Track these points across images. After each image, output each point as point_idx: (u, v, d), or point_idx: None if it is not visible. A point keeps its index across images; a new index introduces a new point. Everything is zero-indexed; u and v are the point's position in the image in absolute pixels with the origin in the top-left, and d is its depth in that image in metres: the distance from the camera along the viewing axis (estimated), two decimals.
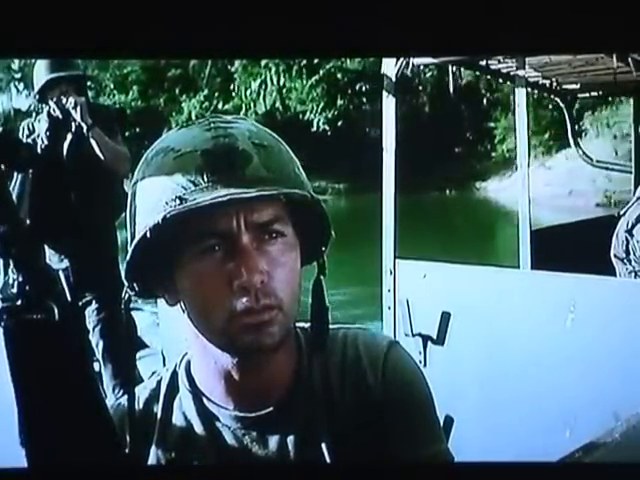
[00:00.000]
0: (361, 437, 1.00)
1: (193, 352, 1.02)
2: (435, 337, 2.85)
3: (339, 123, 24.29)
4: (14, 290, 0.79)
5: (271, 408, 1.00)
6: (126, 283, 0.98)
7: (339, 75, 24.51)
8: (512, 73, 3.75)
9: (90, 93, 3.68)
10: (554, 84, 4.19)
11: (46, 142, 3.55)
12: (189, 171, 0.91)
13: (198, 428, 1.01)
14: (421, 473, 0.95)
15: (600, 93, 4.52)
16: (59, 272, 3.43)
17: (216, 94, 25.99)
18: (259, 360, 0.97)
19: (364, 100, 24.17)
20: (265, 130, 0.99)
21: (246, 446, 1.00)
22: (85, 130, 3.50)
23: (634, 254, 2.96)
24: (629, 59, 3.06)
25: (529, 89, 3.98)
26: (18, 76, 27.21)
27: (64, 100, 3.53)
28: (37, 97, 3.71)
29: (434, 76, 22.83)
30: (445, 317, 2.82)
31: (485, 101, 24.07)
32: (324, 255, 1.02)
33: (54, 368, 0.80)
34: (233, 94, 25.83)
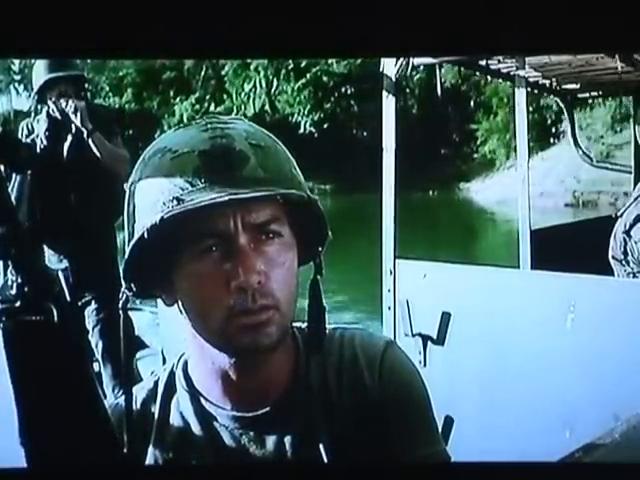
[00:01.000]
0: (358, 437, 1.00)
1: (191, 352, 1.03)
2: (435, 337, 2.85)
3: (325, 125, 24.62)
4: (13, 291, 0.79)
5: (268, 408, 1.00)
6: (124, 283, 0.98)
7: (325, 78, 25.14)
8: (512, 73, 3.75)
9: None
10: (554, 84, 4.18)
11: (45, 142, 3.55)
12: (186, 172, 0.91)
13: (195, 428, 1.01)
14: (420, 473, 0.95)
15: (600, 93, 4.52)
16: (58, 272, 3.44)
17: (207, 97, 26.53)
18: (256, 360, 0.97)
19: (351, 102, 24.93)
20: (262, 130, 0.99)
21: (243, 446, 1.00)
22: (85, 135, 3.51)
23: (632, 255, 2.96)
24: (631, 59, 3.06)
25: (529, 89, 3.97)
26: (18, 78, 27.24)
27: (64, 104, 3.52)
28: (36, 97, 3.71)
29: (421, 78, 23.11)
30: (445, 317, 2.82)
31: (471, 103, 24.52)
32: (321, 255, 1.02)
33: (53, 369, 0.80)
34: (225, 96, 26.38)
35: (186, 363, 1.04)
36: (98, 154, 3.47)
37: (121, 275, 0.97)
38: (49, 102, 3.60)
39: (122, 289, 0.98)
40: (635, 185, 3.84)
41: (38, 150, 3.55)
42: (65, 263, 3.60)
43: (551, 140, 22.14)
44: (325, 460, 0.99)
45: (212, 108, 25.80)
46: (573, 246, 3.55)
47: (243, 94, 26.11)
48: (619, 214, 3.09)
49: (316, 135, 24.41)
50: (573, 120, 4.71)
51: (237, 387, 0.99)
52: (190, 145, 0.93)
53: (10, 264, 0.79)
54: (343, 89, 25.04)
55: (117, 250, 3.67)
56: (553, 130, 21.98)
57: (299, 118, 24.90)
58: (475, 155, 24.50)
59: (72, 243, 3.60)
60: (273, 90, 25.75)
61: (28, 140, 3.59)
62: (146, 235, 0.90)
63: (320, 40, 0.82)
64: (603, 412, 2.23)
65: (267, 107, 25.57)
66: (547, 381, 2.56)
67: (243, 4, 0.81)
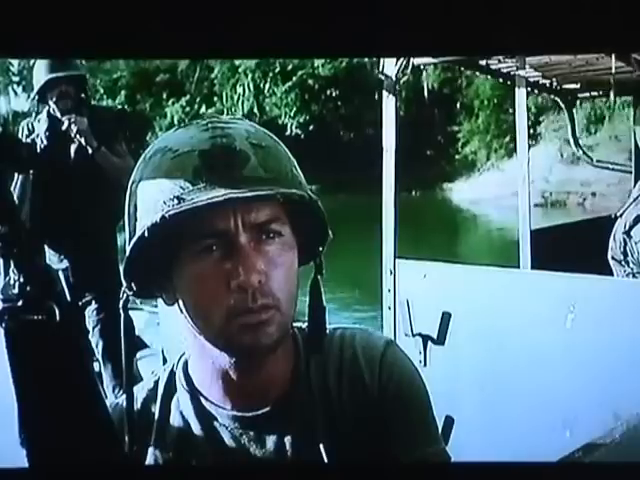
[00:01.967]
0: (358, 437, 1.00)
1: (191, 352, 1.03)
2: (435, 337, 2.85)
3: (311, 127, 25.07)
4: (15, 291, 0.79)
5: (268, 408, 1.00)
6: (124, 283, 0.98)
7: (310, 81, 25.74)
8: (512, 73, 3.75)
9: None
10: (554, 84, 4.18)
11: (45, 142, 3.56)
12: (187, 171, 0.91)
13: (196, 428, 1.01)
14: (419, 473, 0.95)
15: (600, 93, 4.52)
16: (59, 272, 3.44)
17: (198, 99, 26.96)
18: (257, 360, 0.97)
19: (337, 104, 25.42)
20: (263, 130, 0.99)
21: (243, 446, 1.00)
22: (90, 152, 3.51)
23: (632, 256, 2.95)
24: (631, 59, 3.06)
25: (529, 89, 3.97)
26: (17, 79, 27.26)
27: (67, 122, 3.52)
28: (37, 97, 3.71)
29: (408, 81, 23.34)
30: (445, 317, 2.82)
31: (455, 105, 24.93)
32: (321, 255, 1.02)
33: (55, 368, 0.80)
34: (215, 99, 26.86)
35: (186, 363, 1.04)
36: (103, 167, 3.49)
37: (121, 274, 0.97)
38: (50, 102, 3.61)
39: (122, 288, 0.98)
40: (635, 185, 3.84)
41: (38, 150, 3.55)
42: (66, 263, 3.61)
43: (529, 142, 22.22)
44: (325, 460, 0.99)
45: (203, 110, 26.25)
46: (573, 246, 3.55)
47: (232, 97, 26.69)
48: (619, 214, 3.08)
49: (302, 136, 24.77)
50: (573, 120, 4.70)
51: (237, 387, 0.99)
52: (191, 144, 0.93)
53: (12, 263, 0.79)
54: (328, 92, 25.59)
55: (117, 250, 3.68)
56: (531, 132, 22.32)
57: (286, 120, 25.38)
58: (457, 156, 24.94)
59: (73, 243, 3.60)
60: (261, 93, 26.41)
61: (28, 140, 3.60)
62: (146, 234, 0.90)
63: (320, 40, 0.82)
64: (603, 412, 2.23)
65: (255, 109, 26.17)
66: (547, 381, 2.56)
67: (244, 4, 0.81)
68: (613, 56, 3.00)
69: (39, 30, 0.80)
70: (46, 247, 3.58)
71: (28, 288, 0.79)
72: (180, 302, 0.96)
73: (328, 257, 1.03)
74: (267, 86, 26.18)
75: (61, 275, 3.49)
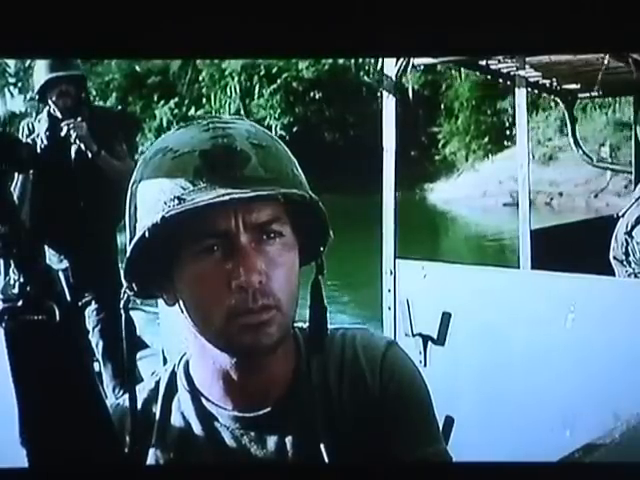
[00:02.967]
0: (359, 437, 1.00)
1: (192, 352, 1.03)
2: (435, 337, 2.85)
3: (295, 128, 25.53)
4: (15, 291, 0.79)
5: (269, 408, 1.00)
6: (125, 283, 0.98)
7: (294, 84, 26.54)
8: (512, 73, 3.75)
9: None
10: (554, 84, 4.18)
11: (46, 142, 3.56)
12: (187, 171, 0.91)
13: (197, 428, 1.01)
14: (420, 473, 0.95)
15: (600, 93, 4.52)
16: (59, 272, 3.44)
17: (186, 101, 27.63)
18: (257, 360, 0.97)
19: (321, 106, 26.13)
20: (263, 130, 0.99)
21: (244, 446, 1.00)
22: (90, 156, 3.51)
23: (634, 256, 2.95)
24: (629, 59, 3.06)
25: (529, 89, 3.97)
26: (13, 81, 27.28)
27: (66, 127, 3.52)
28: (37, 97, 3.71)
29: (395, 82, 24.25)
30: (445, 317, 2.82)
31: (437, 106, 25.62)
32: (322, 255, 1.02)
33: (55, 368, 0.80)
34: (203, 100, 27.53)
35: (187, 363, 1.04)
36: (104, 170, 3.49)
37: (122, 275, 0.97)
38: (49, 102, 3.60)
39: (123, 289, 0.98)
40: (636, 185, 3.84)
41: (38, 150, 3.55)
42: (66, 263, 3.61)
43: (506, 143, 23.20)
44: (326, 460, 0.99)
45: (192, 112, 26.97)
46: (573, 246, 3.55)
47: (220, 99, 27.38)
48: (620, 214, 3.07)
49: (287, 138, 25.31)
50: (573, 120, 4.70)
51: (238, 387, 0.99)
52: (191, 145, 0.93)
53: (12, 263, 0.79)
54: (312, 94, 26.26)
55: (118, 250, 3.68)
56: (508, 133, 22.92)
57: (271, 121, 25.91)
58: (437, 157, 25.56)
59: (73, 243, 3.60)
60: (247, 95, 27.17)
61: (29, 140, 3.59)
62: (147, 234, 0.90)
63: (321, 40, 0.82)
64: (603, 412, 2.23)
65: (242, 111, 26.83)
66: (547, 381, 2.56)
67: (244, 4, 0.81)
68: (607, 56, 3.00)
69: (39, 30, 0.80)
70: (46, 247, 3.58)
71: (28, 288, 0.79)
72: (181, 302, 0.96)
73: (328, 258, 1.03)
74: (252, 88, 26.97)
75: (61, 275, 3.49)
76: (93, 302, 3.64)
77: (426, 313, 2.89)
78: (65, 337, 0.81)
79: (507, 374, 2.67)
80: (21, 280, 0.79)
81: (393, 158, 3.09)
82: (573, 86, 4.23)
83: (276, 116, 25.73)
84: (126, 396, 1.01)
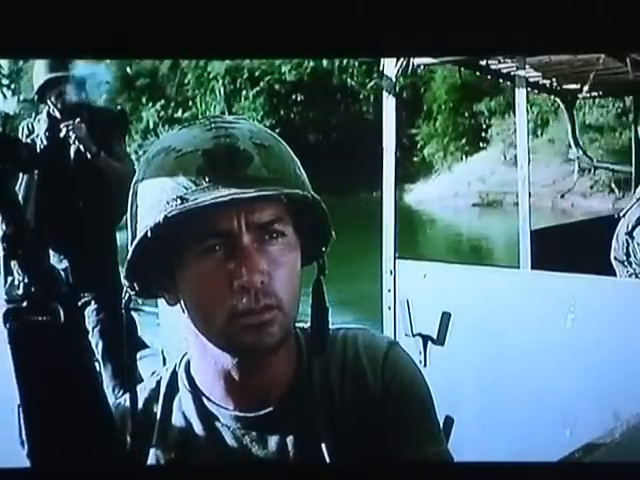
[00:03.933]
0: (361, 437, 1.00)
1: (193, 352, 1.02)
2: (435, 337, 2.85)
3: (277, 130, 26.49)
4: (20, 291, 0.79)
5: (271, 408, 1.00)
6: (126, 283, 0.97)
7: (277, 87, 27.40)
8: (512, 73, 3.75)
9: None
10: (554, 84, 4.18)
11: (45, 143, 3.55)
12: (190, 171, 0.91)
13: (198, 428, 1.01)
14: (421, 473, 0.95)
15: (600, 93, 4.52)
16: (60, 271, 3.43)
17: (172, 104, 28.27)
18: (259, 360, 0.97)
19: (302, 109, 26.75)
20: (266, 130, 0.99)
21: (246, 446, 1.00)
22: (89, 157, 3.51)
23: (634, 256, 2.95)
24: (628, 59, 3.06)
25: (529, 89, 3.97)
26: (6, 82, 27.27)
27: (65, 129, 3.52)
28: (36, 97, 3.71)
29: (377, 84, 25.58)
30: (445, 317, 2.82)
31: (418, 108, 26.17)
32: (324, 255, 1.02)
33: (58, 369, 0.80)
34: (190, 103, 28.21)
35: (188, 363, 1.04)
36: (101, 169, 3.49)
37: (123, 274, 0.97)
38: (49, 102, 3.60)
39: (125, 288, 0.98)
40: (636, 186, 3.84)
41: (38, 150, 3.55)
42: (65, 263, 3.61)
43: (481, 145, 24.00)
44: (327, 460, 0.99)
45: (178, 114, 27.63)
46: (573, 246, 3.56)
47: (205, 101, 28.10)
48: (622, 215, 3.07)
49: None
50: (573, 120, 4.71)
51: (240, 387, 0.99)
52: (194, 144, 0.93)
53: (17, 264, 0.79)
54: (294, 96, 26.95)
55: (117, 250, 3.68)
56: (483, 135, 23.84)
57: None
58: (416, 158, 26.13)
59: (73, 243, 3.60)
60: (231, 97, 27.97)
61: (28, 140, 3.59)
62: (149, 234, 0.90)
63: (321, 40, 0.82)
64: (603, 412, 2.23)
65: (226, 113, 27.75)
66: (547, 381, 2.56)
67: (245, 4, 0.81)
68: (603, 56, 3.00)
69: (39, 30, 0.80)
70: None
71: (33, 289, 0.79)
72: (182, 302, 0.96)
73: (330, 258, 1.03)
74: (237, 91, 27.79)
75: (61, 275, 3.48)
76: (93, 302, 3.64)
77: (426, 313, 2.89)
78: (69, 338, 0.81)
79: (507, 374, 2.67)
80: (25, 281, 0.79)
81: (393, 158, 3.09)
82: (573, 86, 4.23)
83: (259, 118, 26.23)
84: (127, 396, 1.01)
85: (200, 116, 27.16)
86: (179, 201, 0.89)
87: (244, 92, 27.55)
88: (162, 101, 27.59)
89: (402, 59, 3.02)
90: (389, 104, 3.13)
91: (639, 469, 0.93)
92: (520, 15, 0.80)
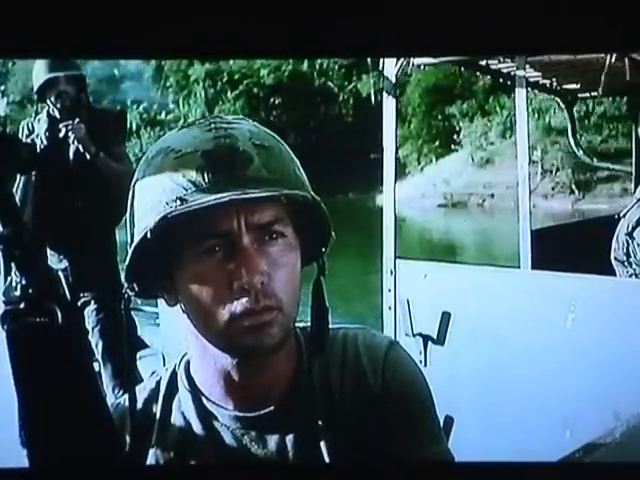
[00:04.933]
0: (360, 437, 1.00)
1: (192, 352, 1.02)
2: (435, 337, 2.85)
3: None
4: (17, 293, 0.79)
5: (271, 408, 1.00)
6: (126, 283, 0.97)
7: (255, 90, 28.55)
8: (512, 73, 3.74)
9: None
10: (554, 84, 4.18)
11: (45, 143, 3.55)
12: (190, 172, 0.91)
13: (197, 428, 1.01)
14: (421, 473, 0.95)
15: (600, 93, 4.52)
16: (58, 272, 3.43)
17: (155, 106, 29.21)
18: (259, 361, 0.97)
19: (285, 111, 27.83)
20: (265, 131, 0.98)
21: (245, 446, 1.00)
22: (88, 158, 3.51)
23: (634, 257, 2.94)
24: (627, 59, 3.06)
25: (529, 89, 3.97)
26: None
27: (64, 129, 3.52)
28: (36, 96, 3.71)
29: (355, 87, 27.32)
30: (445, 317, 2.82)
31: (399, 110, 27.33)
32: (324, 256, 1.02)
33: (56, 370, 0.80)
34: (172, 106, 29.35)
35: (188, 363, 1.04)
36: (101, 170, 3.49)
37: (123, 275, 0.97)
38: (49, 102, 3.60)
39: (124, 289, 0.98)
40: (636, 186, 3.84)
41: (38, 150, 3.55)
42: (65, 263, 3.60)
43: (453, 147, 24.92)
44: (327, 460, 0.99)
45: (162, 117, 28.60)
46: (573, 246, 3.55)
47: (187, 103, 29.20)
48: (622, 215, 3.07)
49: None
50: (573, 120, 4.70)
51: (239, 387, 0.99)
52: (194, 145, 0.93)
53: (14, 266, 0.79)
54: (273, 99, 27.96)
55: (117, 250, 3.67)
56: (455, 137, 24.77)
57: None
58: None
59: (73, 243, 3.59)
60: (211, 100, 29.08)
61: (28, 140, 3.59)
62: (149, 235, 0.90)
63: (321, 40, 0.82)
64: (603, 412, 2.23)
65: (207, 115, 28.07)
66: (547, 381, 2.56)
67: (246, 4, 0.81)
68: (608, 56, 3.00)
69: (39, 30, 0.80)
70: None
71: (30, 290, 0.79)
72: (182, 303, 0.96)
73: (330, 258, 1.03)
74: (217, 94, 28.91)
75: (60, 275, 3.48)
76: (92, 302, 3.64)
77: (426, 313, 2.89)
78: (67, 339, 0.81)
79: (507, 374, 2.67)
80: (23, 282, 0.79)
81: (393, 157, 3.09)
82: (573, 86, 4.23)
83: None
84: (126, 396, 1.01)
85: (182, 119, 27.56)
86: (179, 202, 0.89)
87: (224, 95, 28.57)
88: (145, 103, 27.97)
89: (402, 59, 3.02)
90: (389, 104, 3.13)
91: (639, 469, 0.93)
92: (520, 15, 0.80)
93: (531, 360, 2.61)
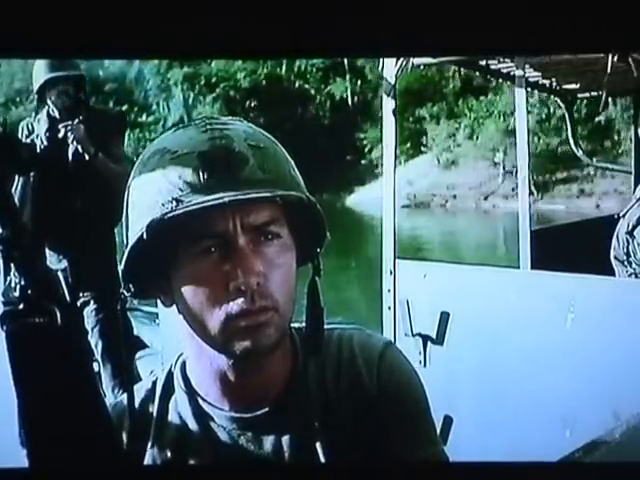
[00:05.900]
0: (356, 438, 1.00)
1: (189, 353, 1.02)
2: (434, 337, 2.85)
3: None
4: (16, 294, 0.79)
5: (267, 409, 1.00)
6: (122, 284, 0.97)
7: (232, 93, 29.28)
8: (512, 73, 3.74)
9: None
10: (554, 84, 4.18)
11: (45, 143, 3.55)
12: (185, 172, 0.91)
13: (193, 428, 1.01)
14: (419, 473, 0.95)
15: (600, 93, 4.51)
16: (58, 272, 3.44)
17: (135, 108, 29.52)
18: (255, 361, 0.97)
19: (262, 113, 27.99)
20: (261, 132, 0.99)
21: (241, 446, 1.00)
22: (87, 158, 3.51)
23: (634, 256, 2.94)
24: (629, 59, 3.06)
25: (529, 89, 3.97)
26: None
27: (63, 129, 3.52)
28: (36, 96, 3.71)
29: (332, 89, 28.07)
30: (444, 317, 2.82)
31: (371, 112, 27.71)
32: (319, 256, 1.02)
33: (56, 370, 0.80)
34: (153, 108, 29.89)
35: (184, 364, 1.04)
36: (101, 173, 3.49)
37: (120, 276, 0.97)
38: (49, 102, 3.60)
39: (120, 290, 0.98)
40: (636, 186, 3.84)
41: (38, 150, 3.55)
42: (64, 263, 3.60)
43: (422, 149, 25.67)
44: (323, 460, 0.99)
45: (142, 119, 29.21)
46: (573, 246, 3.55)
47: (167, 105, 29.94)
48: (622, 214, 3.06)
49: None
50: (573, 120, 4.70)
51: (235, 388, 0.99)
52: (189, 146, 0.93)
53: (13, 266, 0.79)
54: (248, 102, 28.69)
55: (116, 250, 3.67)
56: (424, 140, 25.55)
57: None
58: (363, 161, 27.71)
59: (72, 243, 3.59)
60: (189, 103, 29.79)
61: (28, 140, 3.59)
62: (145, 236, 0.90)
63: (321, 40, 0.82)
64: (603, 412, 2.23)
65: (185, 118, 29.25)
66: (547, 381, 2.56)
67: (246, 4, 0.81)
68: (610, 56, 3.00)
69: (39, 30, 0.80)
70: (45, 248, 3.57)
71: (29, 291, 0.79)
72: (178, 304, 0.96)
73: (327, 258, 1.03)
74: (195, 97, 29.69)
75: (60, 275, 3.49)
76: (92, 302, 3.64)
77: (426, 313, 2.89)
78: (66, 339, 0.81)
79: (507, 374, 2.67)
80: (22, 283, 0.79)
81: (393, 157, 3.09)
82: (573, 86, 4.23)
83: None
84: (123, 396, 1.01)
85: (162, 120, 28.33)
86: (175, 203, 0.89)
87: (202, 98, 29.26)
88: (126, 105, 28.44)
89: (402, 59, 3.02)
90: (389, 104, 3.13)
91: (639, 469, 0.93)
92: (520, 15, 0.80)
93: (530, 360, 2.61)
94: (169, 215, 0.89)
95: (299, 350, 1.03)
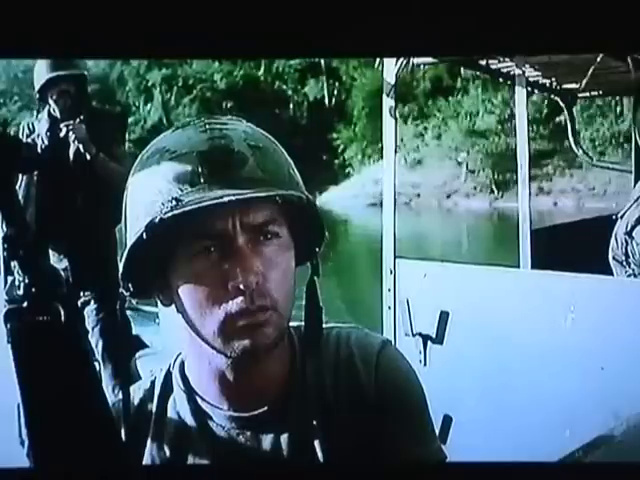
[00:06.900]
0: (354, 436, 1.00)
1: (187, 352, 1.03)
2: (434, 336, 2.85)
3: None
4: (20, 292, 0.79)
5: (265, 408, 1.00)
6: (121, 284, 0.98)
7: (209, 94, 29.96)
8: (512, 73, 3.74)
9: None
10: (554, 84, 4.18)
11: (47, 142, 3.55)
12: (185, 172, 0.91)
13: (192, 428, 1.01)
14: (418, 473, 0.95)
15: (600, 93, 4.52)
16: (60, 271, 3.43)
17: (117, 108, 30.54)
18: (254, 361, 0.97)
19: (238, 114, 28.72)
20: (260, 131, 0.99)
21: (240, 446, 1.00)
22: (89, 158, 3.51)
23: (633, 257, 2.94)
24: (629, 59, 3.06)
25: (529, 89, 3.97)
26: None
27: (65, 129, 3.52)
28: (37, 96, 3.71)
29: (308, 90, 28.88)
30: (444, 316, 2.82)
31: (338, 113, 28.94)
32: (318, 256, 1.02)
33: (59, 369, 0.80)
34: (134, 109, 30.40)
35: (183, 363, 1.05)
36: (102, 174, 3.49)
37: (119, 275, 0.97)
38: (50, 101, 3.60)
39: (119, 289, 0.98)
40: (635, 185, 3.83)
41: (39, 150, 3.55)
42: (65, 262, 3.61)
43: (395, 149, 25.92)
44: (321, 459, 0.99)
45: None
46: (573, 246, 3.55)
47: (145, 107, 30.70)
48: (620, 215, 3.06)
49: None
50: (573, 120, 4.69)
51: (234, 387, 0.99)
52: (189, 146, 0.93)
53: (17, 265, 0.79)
54: (224, 103, 29.33)
55: (117, 250, 3.67)
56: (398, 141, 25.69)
57: None
58: (337, 161, 28.48)
59: (73, 243, 3.60)
60: (167, 104, 30.65)
61: (29, 140, 3.59)
62: (144, 235, 0.90)
63: (321, 40, 0.82)
64: (603, 412, 2.23)
65: (164, 119, 29.70)
66: (547, 381, 2.56)
67: (246, 4, 0.81)
68: (611, 56, 3.00)
69: (39, 30, 0.80)
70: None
71: (33, 289, 0.79)
72: (177, 303, 0.96)
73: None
74: (173, 98, 30.43)
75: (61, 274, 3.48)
76: (92, 302, 3.64)
77: (426, 313, 2.89)
78: (70, 337, 0.81)
79: (507, 374, 2.67)
80: (26, 281, 0.79)
81: (393, 157, 3.09)
82: (573, 86, 4.23)
83: None
84: (122, 396, 1.02)
85: (142, 121, 29.05)
86: (174, 202, 0.90)
87: (180, 99, 30.01)
88: (107, 106, 29.02)
89: (402, 59, 3.02)
90: (388, 104, 3.13)
91: (639, 469, 0.93)
92: (520, 15, 0.80)
93: (530, 360, 2.61)
94: (168, 215, 0.89)
95: (297, 349, 1.03)
